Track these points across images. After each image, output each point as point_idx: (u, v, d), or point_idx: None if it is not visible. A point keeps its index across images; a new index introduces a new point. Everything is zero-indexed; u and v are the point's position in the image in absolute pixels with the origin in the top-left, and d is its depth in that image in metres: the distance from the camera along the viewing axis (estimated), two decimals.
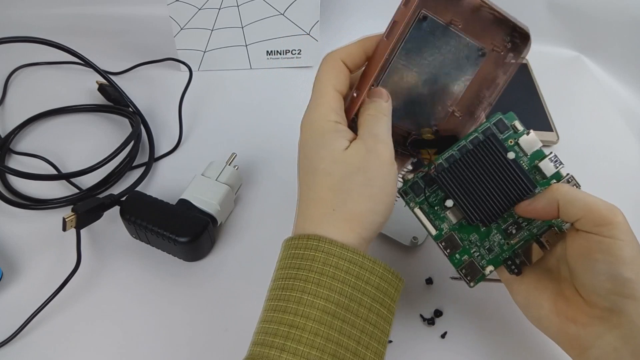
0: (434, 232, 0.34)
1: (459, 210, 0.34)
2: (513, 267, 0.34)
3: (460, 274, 0.34)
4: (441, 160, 0.35)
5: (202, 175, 0.46)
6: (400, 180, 0.34)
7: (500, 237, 0.35)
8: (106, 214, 0.45)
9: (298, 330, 0.27)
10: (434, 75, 0.35)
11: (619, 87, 0.67)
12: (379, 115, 0.31)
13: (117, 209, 0.44)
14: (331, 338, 0.27)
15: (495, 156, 0.34)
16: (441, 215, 0.34)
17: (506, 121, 0.36)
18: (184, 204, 0.44)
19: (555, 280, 0.34)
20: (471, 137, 0.35)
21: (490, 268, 0.34)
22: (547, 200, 0.32)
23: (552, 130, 0.57)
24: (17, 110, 0.58)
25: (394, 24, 0.31)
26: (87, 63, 0.53)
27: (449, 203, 0.34)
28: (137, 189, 0.49)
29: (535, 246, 0.34)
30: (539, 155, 0.35)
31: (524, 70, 0.65)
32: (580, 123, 0.60)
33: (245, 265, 0.44)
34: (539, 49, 0.69)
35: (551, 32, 0.70)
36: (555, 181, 0.35)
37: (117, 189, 0.50)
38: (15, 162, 0.53)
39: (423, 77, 0.34)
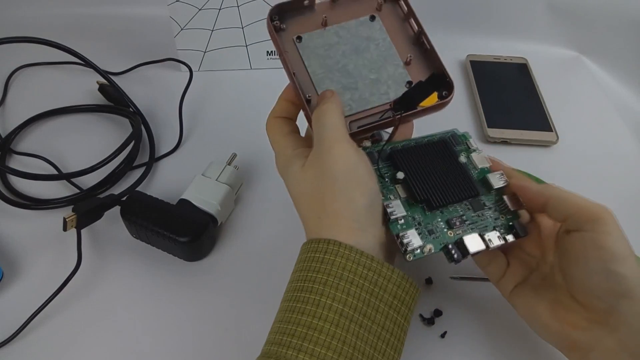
0: (381, 196, 0.34)
1: (408, 187, 0.35)
2: (453, 254, 0.33)
3: (399, 243, 0.33)
4: (398, 144, 0.37)
5: (203, 175, 0.46)
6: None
7: (443, 225, 0.35)
8: (107, 214, 0.45)
9: (315, 332, 0.27)
10: (359, 60, 0.37)
11: (619, 87, 0.67)
12: (318, 117, 0.33)
13: (117, 209, 0.44)
14: (348, 341, 0.27)
15: (446, 156, 0.37)
16: (390, 187, 0.35)
17: (459, 138, 0.39)
18: (185, 204, 0.44)
19: (551, 288, 0.34)
20: (428, 137, 0.38)
21: (429, 247, 0.33)
22: (540, 190, 0.33)
23: (551, 130, 0.57)
24: (18, 110, 0.58)
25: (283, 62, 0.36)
26: (88, 63, 0.53)
27: (400, 175, 0.35)
28: (138, 189, 0.49)
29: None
30: (487, 171, 0.37)
31: (524, 70, 0.65)
32: (580, 123, 0.60)
33: (245, 265, 0.44)
34: (539, 49, 0.70)
35: (551, 32, 0.70)
36: (496, 195, 0.36)
37: (117, 189, 0.50)
38: (16, 162, 0.53)
39: (350, 69, 0.37)
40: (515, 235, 0.35)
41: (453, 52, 0.68)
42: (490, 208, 0.36)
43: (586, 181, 0.51)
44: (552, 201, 0.32)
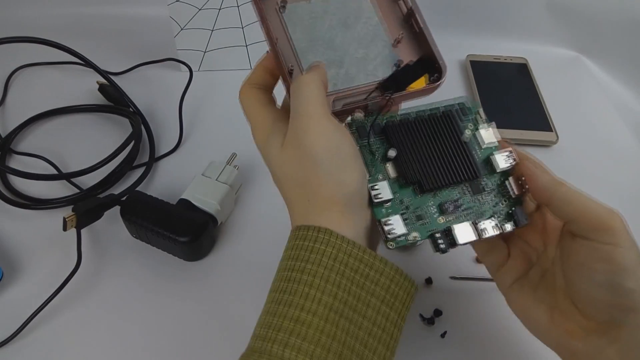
0: (367, 176, 0.31)
1: (399, 165, 0.31)
2: (440, 243, 0.30)
3: (380, 229, 0.30)
4: (396, 116, 0.33)
5: (203, 175, 0.46)
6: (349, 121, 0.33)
7: (434, 210, 0.31)
8: (107, 213, 0.45)
9: (304, 326, 0.26)
10: (346, 35, 0.35)
11: (619, 87, 0.67)
12: (297, 88, 0.29)
13: (117, 208, 0.44)
14: (337, 337, 0.26)
15: (449, 132, 0.33)
16: (379, 165, 0.31)
17: (470, 106, 0.35)
18: (185, 203, 0.44)
19: (551, 290, 0.32)
20: (431, 107, 0.34)
21: (415, 235, 0.30)
22: (546, 185, 0.30)
23: (551, 130, 0.57)
24: (18, 110, 0.58)
25: (267, 33, 0.33)
26: (88, 63, 0.53)
27: (392, 153, 0.31)
28: (138, 188, 0.49)
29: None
30: (494, 149, 0.33)
31: (524, 70, 0.65)
32: (580, 123, 0.60)
33: (245, 265, 0.44)
34: (538, 49, 0.70)
35: (551, 32, 0.70)
36: (501, 177, 0.33)
37: (117, 189, 0.50)
38: (16, 162, 0.53)
39: (337, 43, 0.34)
40: (515, 224, 0.32)
41: (453, 52, 0.68)
42: (491, 191, 0.32)
43: (586, 181, 0.51)
44: (556, 201, 0.29)
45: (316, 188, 0.28)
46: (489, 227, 0.31)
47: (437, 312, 0.41)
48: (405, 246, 0.31)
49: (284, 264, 0.29)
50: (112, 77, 0.56)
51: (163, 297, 0.42)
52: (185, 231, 0.41)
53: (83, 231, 0.44)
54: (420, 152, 0.32)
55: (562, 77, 0.66)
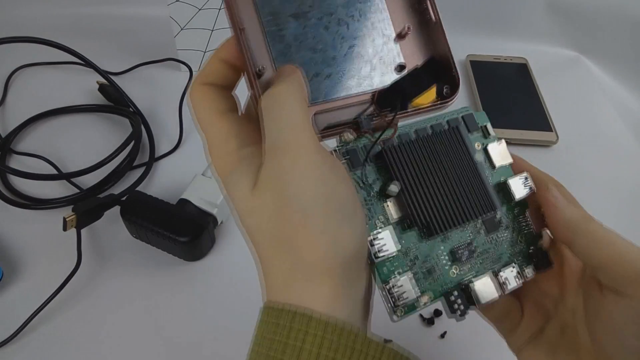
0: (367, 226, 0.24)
1: (404, 203, 0.25)
2: (456, 305, 0.24)
3: (384, 295, 0.23)
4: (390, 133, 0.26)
5: (202, 175, 0.46)
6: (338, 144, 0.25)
7: (445, 259, 0.25)
8: (107, 213, 0.45)
9: None
10: (333, 19, 0.26)
11: (618, 87, 0.68)
12: (271, 107, 0.21)
13: (117, 208, 0.44)
14: None
15: (457, 153, 0.26)
16: (377, 204, 0.25)
17: (477, 120, 0.28)
18: (184, 203, 0.44)
19: (573, 351, 0.25)
20: (432, 121, 0.27)
21: (427, 298, 0.24)
22: (573, 217, 0.24)
23: (551, 130, 0.57)
24: (18, 110, 0.58)
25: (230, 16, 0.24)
26: (88, 63, 0.53)
27: (394, 188, 0.24)
28: (138, 188, 0.49)
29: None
30: (508, 172, 0.27)
31: (524, 70, 0.65)
32: (580, 123, 0.60)
33: (245, 264, 0.44)
34: (538, 49, 0.70)
35: (551, 32, 0.70)
36: (516, 208, 0.27)
37: (117, 189, 0.50)
38: (16, 162, 0.53)
39: (324, 34, 0.25)
40: (537, 268, 0.26)
41: (453, 52, 0.68)
42: (507, 227, 0.26)
43: (586, 181, 0.51)
44: (582, 241, 0.23)
45: (302, 250, 0.21)
46: (511, 277, 0.25)
47: (437, 313, 0.41)
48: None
49: (257, 349, 0.22)
50: (112, 77, 0.56)
51: (163, 297, 0.42)
52: (185, 231, 0.41)
53: (83, 231, 0.44)
54: (427, 181, 0.25)
55: (562, 77, 0.66)
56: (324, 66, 0.25)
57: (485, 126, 0.28)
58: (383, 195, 0.25)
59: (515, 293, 0.27)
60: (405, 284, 0.23)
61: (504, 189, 0.27)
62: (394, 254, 0.23)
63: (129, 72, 0.64)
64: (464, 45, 0.68)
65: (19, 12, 0.71)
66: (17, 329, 0.39)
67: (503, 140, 0.28)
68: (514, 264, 0.25)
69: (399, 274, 0.23)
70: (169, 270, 0.44)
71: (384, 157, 0.25)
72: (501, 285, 0.25)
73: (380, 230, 0.23)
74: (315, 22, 0.26)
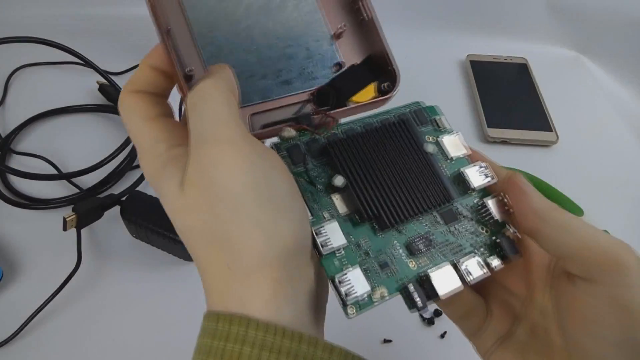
0: (309, 217, 0.23)
1: (351, 196, 0.24)
2: (415, 298, 0.23)
3: (335, 290, 0.22)
4: (336, 131, 0.26)
5: None
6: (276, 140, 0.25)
7: (401, 252, 0.24)
8: (107, 213, 0.45)
9: None
10: (269, 22, 0.26)
11: (618, 87, 0.68)
12: (195, 103, 0.21)
13: (117, 208, 0.44)
14: None
15: (407, 145, 0.26)
16: (323, 198, 0.24)
17: (426, 114, 0.28)
18: None
19: (546, 352, 0.24)
20: (382, 115, 0.27)
21: (382, 292, 0.23)
22: (542, 205, 0.23)
23: (551, 130, 0.57)
24: (18, 110, 0.58)
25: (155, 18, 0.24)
26: (88, 63, 0.53)
27: (339, 181, 0.24)
28: (138, 188, 0.49)
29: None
30: (465, 164, 0.27)
31: (524, 70, 0.65)
32: (580, 123, 0.60)
33: None
34: (538, 49, 0.70)
35: (551, 32, 0.70)
36: (478, 199, 0.26)
37: (117, 189, 0.50)
38: (16, 162, 0.53)
39: (256, 34, 0.26)
40: (503, 258, 0.25)
41: (453, 52, 0.68)
42: (466, 217, 0.26)
43: (586, 181, 0.51)
44: (550, 229, 0.22)
45: (238, 246, 0.19)
46: (474, 267, 0.24)
47: (437, 313, 0.41)
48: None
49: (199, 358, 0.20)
50: (112, 77, 0.56)
51: (163, 297, 0.42)
52: None
53: (83, 231, 0.44)
54: (375, 174, 0.24)
55: (562, 77, 0.66)
56: (259, 67, 0.25)
57: (436, 119, 0.28)
58: (329, 189, 0.24)
59: (481, 292, 0.27)
60: (355, 277, 0.22)
61: (462, 180, 0.26)
62: (342, 247, 0.23)
63: (129, 72, 0.64)
64: (464, 45, 0.68)
65: (19, 12, 0.71)
66: (17, 329, 0.39)
67: (459, 133, 0.27)
68: (474, 253, 0.25)
69: (348, 268, 0.22)
70: (169, 270, 0.44)
71: (329, 150, 0.24)
72: (463, 274, 0.24)
73: (324, 224, 0.23)
74: (248, 23, 0.25)
